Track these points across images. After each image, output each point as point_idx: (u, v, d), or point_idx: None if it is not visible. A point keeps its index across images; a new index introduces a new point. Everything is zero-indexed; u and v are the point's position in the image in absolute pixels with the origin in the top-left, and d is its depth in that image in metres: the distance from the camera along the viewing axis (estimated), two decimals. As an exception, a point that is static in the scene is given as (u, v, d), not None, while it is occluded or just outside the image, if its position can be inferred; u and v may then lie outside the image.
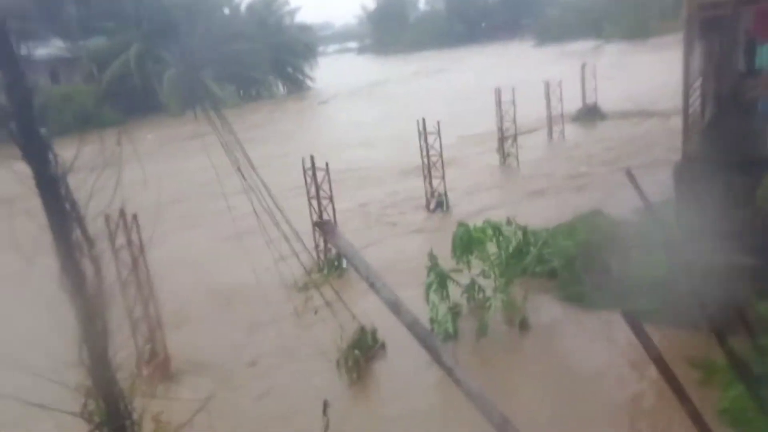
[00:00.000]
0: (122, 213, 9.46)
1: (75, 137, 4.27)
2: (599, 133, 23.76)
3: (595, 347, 8.95)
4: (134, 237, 9.66)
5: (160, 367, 9.77)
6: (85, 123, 32.54)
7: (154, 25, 45.79)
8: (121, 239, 9.44)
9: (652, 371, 5.93)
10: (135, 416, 4.60)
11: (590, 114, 25.92)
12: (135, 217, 9.58)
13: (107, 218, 9.21)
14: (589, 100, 26.16)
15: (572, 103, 25.06)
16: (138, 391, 4.76)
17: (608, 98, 26.57)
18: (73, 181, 4.03)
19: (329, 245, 12.38)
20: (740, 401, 7.01)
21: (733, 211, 8.30)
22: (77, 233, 3.99)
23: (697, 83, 11.22)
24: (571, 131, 23.92)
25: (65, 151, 3.80)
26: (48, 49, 46.98)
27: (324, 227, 3.64)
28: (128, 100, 43.79)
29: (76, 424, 4.29)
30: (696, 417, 4.67)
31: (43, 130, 3.95)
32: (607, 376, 8.26)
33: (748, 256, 8.08)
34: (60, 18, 48.07)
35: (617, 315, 5.45)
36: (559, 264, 10.97)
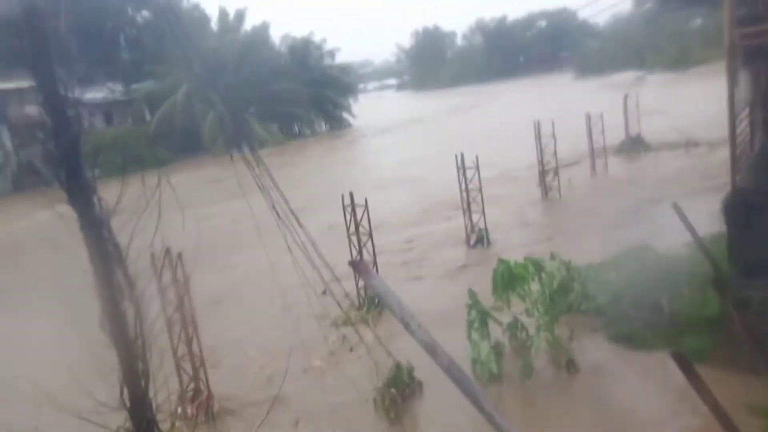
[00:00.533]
0: (167, 252, 9.69)
1: (125, 178, 4.42)
2: (644, 165, 23.20)
3: (647, 391, 8.49)
4: (179, 275, 9.87)
5: (203, 406, 9.81)
6: (134, 164, 33.84)
7: (201, 68, 47.65)
8: (165, 278, 9.65)
9: (710, 418, 5.59)
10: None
11: (634, 145, 25.39)
12: (180, 255, 9.78)
13: (153, 257, 9.47)
14: (633, 132, 25.66)
15: (615, 135, 24.62)
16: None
17: (652, 129, 26.02)
18: (116, 222, 4.14)
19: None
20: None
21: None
22: (119, 275, 4.09)
23: (745, 113, 10.86)
24: (615, 164, 23.44)
25: (113, 191, 3.93)
26: (103, 92, 49.56)
27: (358, 266, 3.63)
28: (176, 140, 45.52)
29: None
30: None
31: (96, 171, 4.08)
32: (661, 423, 7.80)
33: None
34: (114, 63, 50.84)
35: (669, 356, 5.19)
36: (606, 301, 10.60)
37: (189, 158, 43.61)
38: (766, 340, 6.76)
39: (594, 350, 9.68)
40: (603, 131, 22.77)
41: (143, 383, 4.11)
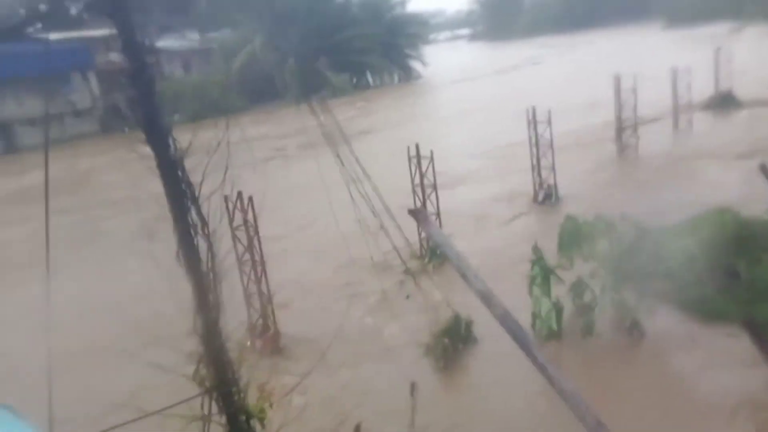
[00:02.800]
0: (239, 195, 10.09)
1: (204, 123, 4.61)
2: (732, 123, 21.67)
3: (714, 357, 8.21)
4: (250, 218, 10.29)
5: (270, 340, 10.38)
6: (211, 110, 34.95)
7: (274, 17, 48.05)
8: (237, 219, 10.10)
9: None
10: (242, 384, 4.92)
11: (724, 102, 23.66)
12: (251, 199, 10.17)
13: (226, 199, 9.89)
14: (723, 88, 23.86)
15: (704, 91, 23.01)
16: (246, 361, 5.08)
17: (746, 85, 24.09)
18: (191, 163, 4.35)
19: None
20: None
21: None
22: (192, 212, 4.32)
23: None
24: (701, 120, 21.99)
25: (190, 135, 4.11)
26: (182, 41, 51.00)
27: (417, 215, 3.66)
28: (251, 89, 46.46)
29: (189, 387, 4.66)
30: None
31: (176, 116, 4.29)
32: (724, 391, 7.53)
33: None
34: (192, 12, 52.02)
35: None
36: (679, 265, 10.18)
37: (264, 106, 44.48)
38: None
39: (661, 315, 9.39)
40: (690, 86, 21.31)
41: (215, 313, 4.38)
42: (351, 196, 6.83)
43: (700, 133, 21.00)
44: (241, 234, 10.10)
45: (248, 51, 48.50)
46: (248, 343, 10.03)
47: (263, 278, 10.45)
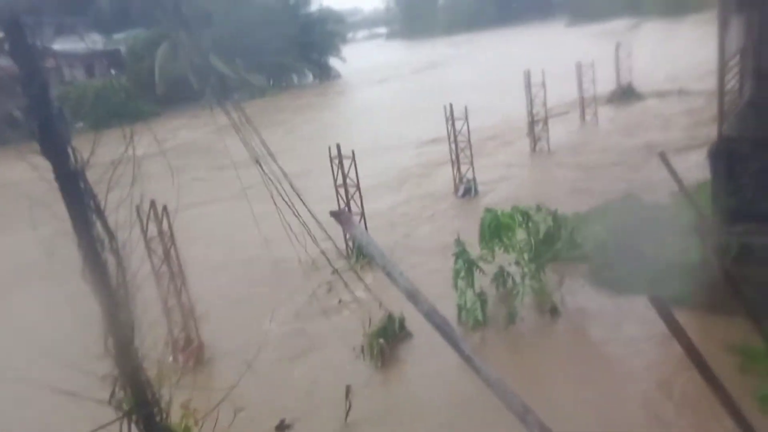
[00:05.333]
0: (152, 204, 9.65)
1: (109, 131, 4.34)
2: (634, 115, 23.09)
3: (626, 334, 8.74)
4: (165, 227, 9.86)
5: (193, 354, 10.00)
6: (118, 117, 33.16)
7: (188, 17, 46.27)
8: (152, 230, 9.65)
9: (686, 358, 5.76)
10: (163, 404, 4.70)
11: (625, 95, 25.21)
12: (165, 208, 9.75)
13: (138, 209, 9.43)
14: (624, 81, 25.43)
15: (607, 84, 24.42)
16: (168, 378, 4.86)
17: (644, 78, 25.79)
18: (94, 174, 4.09)
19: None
20: (782, 388, 6.79)
21: (772, 192, 7.97)
22: (98, 226, 4.07)
23: (735, 61, 10.74)
24: (605, 113, 23.32)
25: (95, 144, 3.85)
26: (83, 44, 48.06)
27: (339, 216, 3.62)
28: (164, 92, 44.57)
29: (106, 412, 4.39)
30: (729, 405, 4.52)
31: (80, 124, 4.01)
32: (638, 363, 8.07)
33: (788, 239, 7.74)
34: (93, 11, 49.15)
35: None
36: (591, 249, 10.75)
37: (177, 110, 42.84)
38: (743, 284, 6.91)
39: (578, 296, 9.89)
40: (594, 81, 22.55)
41: (128, 331, 4.15)
42: (273, 199, 6.69)
43: (604, 124, 22.25)
44: (159, 246, 9.67)
45: (160, 53, 46.48)
46: (170, 358, 9.63)
47: (183, 290, 10.06)
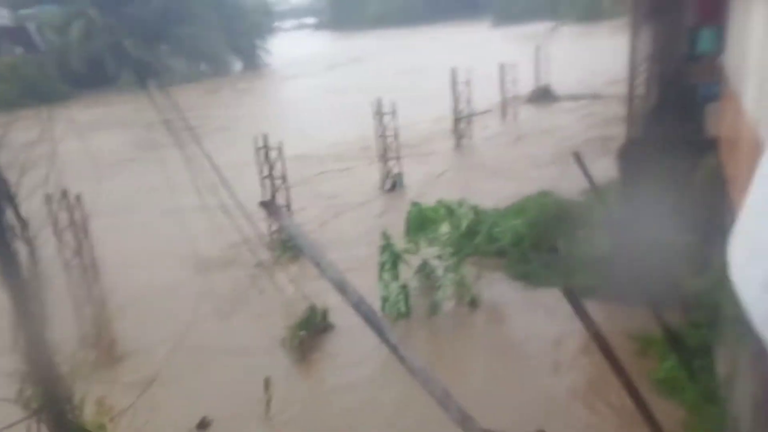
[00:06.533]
0: (65, 193, 9.16)
1: (23, 112, 4.10)
2: (551, 115, 24.21)
3: (540, 322, 9.25)
4: (77, 217, 9.39)
5: (105, 350, 9.58)
6: (31, 96, 30.88)
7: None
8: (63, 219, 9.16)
9: (594, 344, 6.19)
10: (75, 401, 4.52)
11: (543, 96, 26.39)
12: (79, 197, 9.29)
13: (48, 198, 8.92)
14: (543, 83, 26.60)
15: (527, 84, 25.42)
16: (80, 375, 4.68)
17: (561, 80, 27.05)
18: (4, 157, 3.87)
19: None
20: (674, 371, 7.40)
21: (672, 191, 8.63)
22: (8, 213, 3.86)
23: (644, 67, 11.53)
24: (525, 113, 24.31)
25: (6, 127, 3.64)
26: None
27: (268, 207, 3.61)
28: (80, 72, 41.96)
29: (14, 410, 4.18)
30: (629, 387, 4.93)
31: None
32: (549, 349, 8.58)
33: (684, 234, 8.43)
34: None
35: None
36: (509, 243, 11.22)
37: (93, 92, 40.46)
38: (644, 277, 7.48)
39: (495, 288, 10.33)
40: (515, 81, 23.45)
41: (38, 326, 3.97)
42: (198, 189, 6.52)
43: (524, 123, 23.19)
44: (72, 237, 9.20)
45: (74, 30, 43.62)
46: (82, 355, 9.18)
47: (96, 284, 9.62)
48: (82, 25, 43.96)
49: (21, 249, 3.94)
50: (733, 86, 7.72)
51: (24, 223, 3.95)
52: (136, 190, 18.27)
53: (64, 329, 5.27)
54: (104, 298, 9.57)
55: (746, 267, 2.38)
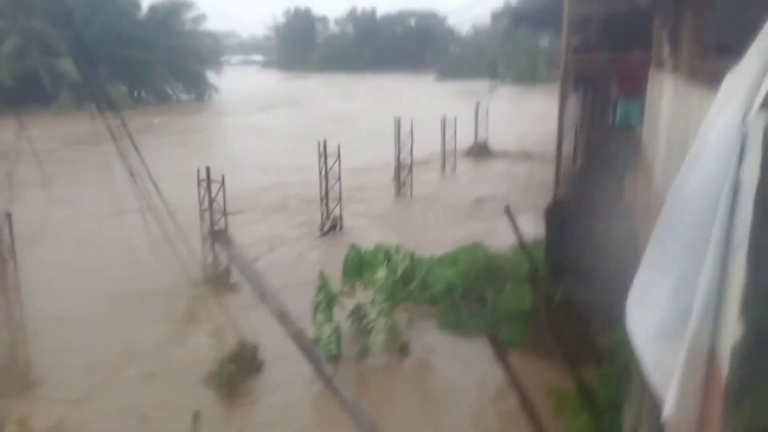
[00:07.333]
0: (-8, 212, 8.83)
1: None
2: (487, 170, 25.35)
3: (465, 371, 9.56)
4: (5, 237, 9.03)
5: (18, 375, 9.08)
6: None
7: (50, 12, 42.58)
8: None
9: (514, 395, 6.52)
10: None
11: (480, 151, 27.66)
12: (9, 216, 8.97)
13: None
14: (481, 138, 27.92)
15: (466, 139, 26.60)
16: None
17: (497, 138, 28.47)
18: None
19: (218, 258, 12.22)
20: (587, 428, 7.77)
21: (593, 251, 9.29)
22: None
23: (571, 132, 12.48)
24: (463, 166, 25.35)
25: None
26: None
27: (220, 236, 3.74)
28: (9, 89, 40.16)
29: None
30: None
31: None
32: (471, 398, 8.90)
33: (601, 293, 9.04)
34: None
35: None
36: (441, 292, 11.59)
37: (26, 111, 38.64)
38: (564, 332, 7.97)
39: (426, 336, 10.61)
40: (455, 135, 24.53)
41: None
42: (143, 215, 6.51)
43: (462, 176, 24.16)
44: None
45: (9, 45, 42.03)
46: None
47: (16, 305, 9.19)
48: (17, 41, 42.52)
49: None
50: (647, 156, 8.52)
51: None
52: (80, 213, 17.60)
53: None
54: (23, 320, 9.14)
55: (640, 317, 2.71)
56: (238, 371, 9.07)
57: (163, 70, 51.93)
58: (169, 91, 54.56)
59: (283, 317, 3.92)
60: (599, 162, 13.88)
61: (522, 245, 10.68)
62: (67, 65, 41.58)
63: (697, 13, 6.92)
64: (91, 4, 46.09)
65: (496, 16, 14.38)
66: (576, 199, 11.43)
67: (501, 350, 6.24)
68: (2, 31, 42.78)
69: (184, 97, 55.74)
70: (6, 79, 40.64)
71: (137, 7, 53.77)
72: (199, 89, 56.94)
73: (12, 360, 9.07)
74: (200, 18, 58.52)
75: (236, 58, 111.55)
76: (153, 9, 55.06)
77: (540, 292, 9.50)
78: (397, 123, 20.64)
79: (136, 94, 51.36)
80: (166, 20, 55.01)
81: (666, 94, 7.07)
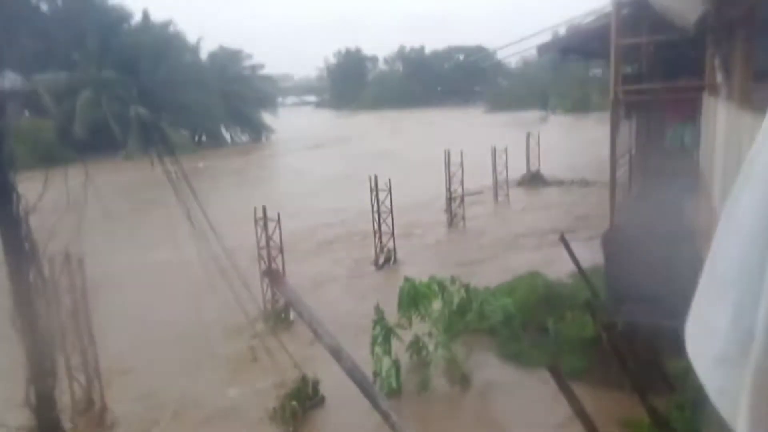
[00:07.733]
0: (68, 256, 9.39)
1: (35, 174, 4.41)
2: (540, 199, 25.00)
3: (529, 404, 9.31)
4: (77, 281, 9.56)
5: (95, 418, 9.50)
6: (45, 159, 31.34)
7: (116, 63, 45.66)
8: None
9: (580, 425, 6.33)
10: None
11: (533, 180, 27.35)
12: (81, 261, 9.52)
13: (51, 261, 9.15)
14: (533, 167, 27.63)
15: (518, 169, 26.41)
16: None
17: (550, 166, 28.12)
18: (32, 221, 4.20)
19: (276, 296, 12.51)
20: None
21: (653, 277, 9.00)
22: (33, 274, 4.13)
23: (626, 158, 12.25)
24: (516, 195, 25.10)
25: (44, 189, 3.96)
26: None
27: (272, 275, 3.88)
28: (81, 139, 42.98)
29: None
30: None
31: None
32: (536, 430, 8.62)
33: (666, 319, 8.71)
34: (11, 49, 47.21)
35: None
36: (499, 322, 11.42)
37: (97, 159, 41.24)
38: (629, 361, 7.70)
39: (486, 367, 10.43)
40: (507, 165, 24.40)
41: (51, 382, 4.16)
42: (200, 258, 6.82)
43: (515, 205, 23.91)
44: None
45: (81, 97, 45.09)
46: (69, 422, 9.12)
47: (90, 348, 9.66)
48: (89, 93, 45.51)
49: (41, 307, 4.19)
50: (705, 180, 8.29)
51: (46, 283, 4.23)
52: (141, 256, 18.47)
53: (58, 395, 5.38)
54: (97, 363, 9.58)
55: (699, 343, 2.66)
56: (301, 407, 9.17)
57: (222, 114, 54.38)
58: (228, 133, 56.96)
59: (337, 353, 4.02)
60: (656, 187, 13.53)
61: (580, 272, 10.49)
62: (134, 113, 44.32)
63: (748, 39, 6.87)
64: (156, 52, 49.05)
65: (542, 49, 14.37)
66: (633, 224, 11.14)
67: (561, 377, 6.11)
68: (77, 84, 45.91)
69: (243, 138, 57.98)
70: (80, 130, 43.52)
71: (196, 54, 56.87)
72: (256, 131, 59.15)
73: (89, 402, 9.50)
74: (258, 67, 61.28)
75: (290, 100, 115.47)
76: (212, 56, 58.06)
77: (601, 319, 9.23)
78: (447, 154, 20.78)
79: (196, 138, 53.78)
80: (224, 66, 57.80)
81: (720, 119, 6.94)
